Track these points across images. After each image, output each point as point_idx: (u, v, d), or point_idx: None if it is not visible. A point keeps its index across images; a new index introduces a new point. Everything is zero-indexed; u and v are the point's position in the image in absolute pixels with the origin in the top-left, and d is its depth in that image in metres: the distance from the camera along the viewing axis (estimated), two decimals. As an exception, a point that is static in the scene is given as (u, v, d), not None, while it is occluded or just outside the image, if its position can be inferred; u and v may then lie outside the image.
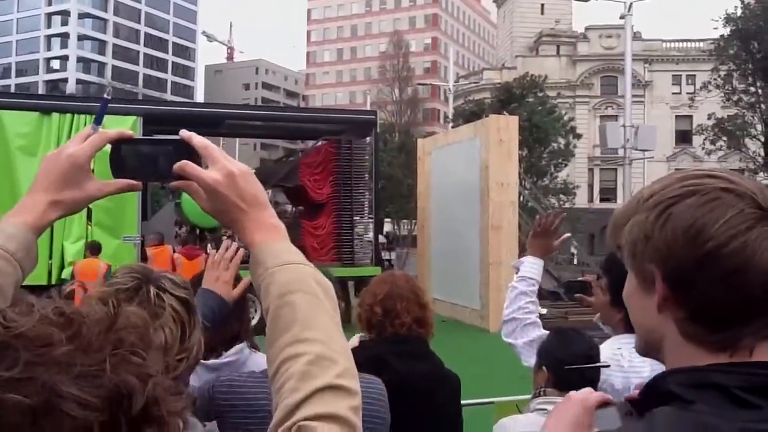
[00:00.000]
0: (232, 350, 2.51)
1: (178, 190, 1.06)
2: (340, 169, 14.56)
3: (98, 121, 1.10)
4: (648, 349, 0.96)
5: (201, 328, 1.60)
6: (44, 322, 0.67)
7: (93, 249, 10.38)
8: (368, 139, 15.19)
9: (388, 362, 2.45)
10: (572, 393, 1.19)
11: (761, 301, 0.85)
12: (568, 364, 2.21)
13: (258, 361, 2.37)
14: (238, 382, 2.06)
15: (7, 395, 0.60)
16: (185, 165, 1.04)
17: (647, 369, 2.04)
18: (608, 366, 2.29)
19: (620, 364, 2.35)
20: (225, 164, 1.05)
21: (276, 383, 0.93)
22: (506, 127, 14.65)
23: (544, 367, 2.31)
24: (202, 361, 2.37)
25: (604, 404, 1.15)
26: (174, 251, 11.98)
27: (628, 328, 1.75)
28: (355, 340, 2.73)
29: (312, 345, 0.94)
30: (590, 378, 2.26)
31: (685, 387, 0.84)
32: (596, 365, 2.26)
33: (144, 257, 11.55)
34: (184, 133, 1.06)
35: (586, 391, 1.18)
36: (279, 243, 1.05)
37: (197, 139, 1.06)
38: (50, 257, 11.53)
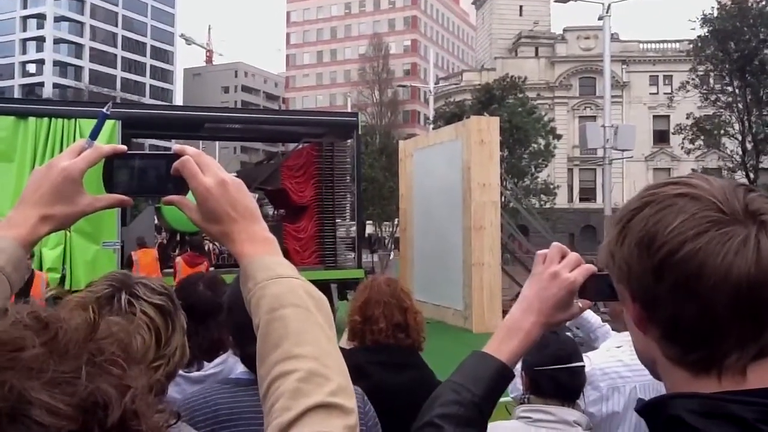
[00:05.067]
0: (216, 360, 2.43)
1: None
2: (322, 172, 14.51)
3: (94, 136, 1.09)
4: (651, 372, 0.90)
5: (184, 332, 1.57)
6: (17, 326, 0.64)
7: None
8: (350, 141, 15.16)
9: (364, 371, 2.40)
10: (558, 269, 1.13)
11: (728, 311, 0.77)
12: (540, 367, 2.15)
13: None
14: (204, 394, 1.93)
15: None
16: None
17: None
18: (582, 366, 2.22)
19: (621, 360, 2.36)
20: (217, 173, 1.04)
21: (267, 402, 0.89)
22: (487, 128, 14.71)
23: (523, 372, 2.23)
24: (185, 373, 2.31)
25: (592, 277, 1.11)
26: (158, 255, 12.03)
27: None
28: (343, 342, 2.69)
29: (304, 361, 0.90)
30: (564, 381, 2.18)
31: (696, 415, 0.78)
32: (566, 366, 2.17)
33: (129, 262, 11.48)
34: (177, 147, 1.06)
35: (575, 271, 1.13)
36: (270, 256, 1.01)
37: (190, 152, 1.05)
38: (28, 264, 11.37)
